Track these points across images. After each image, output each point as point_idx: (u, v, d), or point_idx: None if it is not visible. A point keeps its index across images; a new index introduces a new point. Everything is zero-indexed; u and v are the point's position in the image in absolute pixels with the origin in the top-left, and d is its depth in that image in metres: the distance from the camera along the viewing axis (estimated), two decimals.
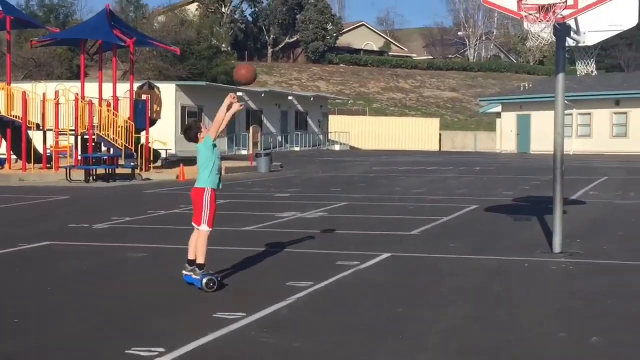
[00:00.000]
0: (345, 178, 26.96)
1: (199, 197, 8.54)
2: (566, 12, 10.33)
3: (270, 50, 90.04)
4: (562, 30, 10.86)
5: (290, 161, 37.55)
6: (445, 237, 12.58)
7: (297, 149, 54.80)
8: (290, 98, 57.19)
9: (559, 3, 10.16)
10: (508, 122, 55.48)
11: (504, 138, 56.04)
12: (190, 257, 8.57)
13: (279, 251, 10.99)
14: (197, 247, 8.49)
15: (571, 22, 11.18)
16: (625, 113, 49.21)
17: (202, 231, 8.50)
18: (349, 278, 9.18)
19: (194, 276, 8.45)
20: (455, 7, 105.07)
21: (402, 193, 20.82)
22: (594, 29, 12.00)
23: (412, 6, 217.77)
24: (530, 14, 10.29)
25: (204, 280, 8.28)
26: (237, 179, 26.69)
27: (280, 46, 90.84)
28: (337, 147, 58.72)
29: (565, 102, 12.37)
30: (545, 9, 10.17)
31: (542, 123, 48.51)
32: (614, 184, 23.65)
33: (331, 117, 62.83)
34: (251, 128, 46.27)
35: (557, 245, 10.91)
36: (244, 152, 46.12)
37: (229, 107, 8.58)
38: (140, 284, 8.92)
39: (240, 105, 8.72)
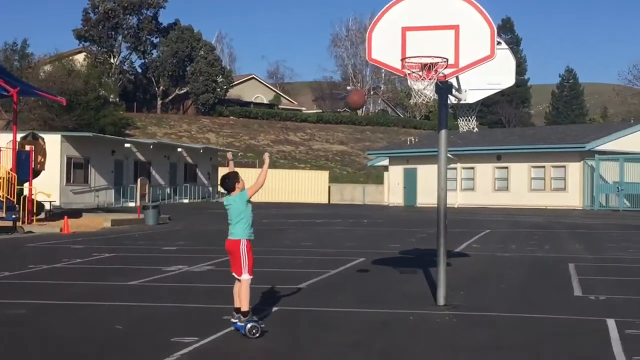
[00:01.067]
0: None
1: (236, 248, 9.03)
2: (447, 71, 10.67)
3: (159, 102, 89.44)
4: (443, 88, 11.20)
5: (179, 213, 37.14)
6: (332, 290, 12.64)
7: (186, 201, 54.32)
8: (179, 150, 56.80)
9: (440, 62, 10.49)
10: (395, 175, 56.51)
11: (391, 191, 56.97)
12: (236, 305, 8.93)
13: (164, 305, 10.82)
14: (240, 295, 8.87)
15: (453, 80, 11.56)
16: (507, 167, 50.85)
17: (243, 280, 8.93)
18: (235, 333, 9.09)
19: (239, 323, 8.81)
20: (344, 62, 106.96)
21: (290, 246, 20.85)
22: (474, 87, 12.46)
23: (301, 60, 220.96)
24: (413, 72, 10.59)
25: (248, 327, 8.65)
26: (123, 232, 26.21)
27: (170, 97, 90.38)
28: None
29: (449, 156, 12.74)
30: (427, 67, 10.49)
31: (428, 176, 49.53)
32: (496, 237, 24.30)
33: (221, 169, 62.64)
34: (139, 180, 45.71)
35: (441, 298, 11.10)
36: (132, 204, 45.38)
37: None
38: (13, 343, 8.60)
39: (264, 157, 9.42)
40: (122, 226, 29.01)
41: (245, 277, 8.92)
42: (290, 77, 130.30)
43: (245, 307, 8.82)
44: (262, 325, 8.81)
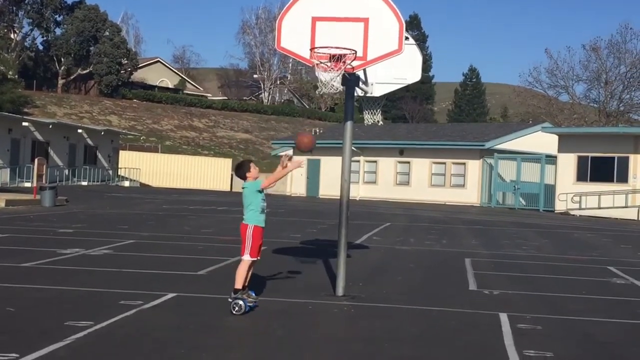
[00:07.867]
0: (133, 215, 26.42)
1: (244, 231, 9.62)
2: (355, 63, 10.73)
3: (61, 81, 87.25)
4: (351, 80, 11.26)
5: (77, 196, 36.37)
6: (231, 277, 12.55)
7: (85, 183, 53.23)
8: (79, 131, 55.58)
9: (349, 53, 10.54)
10: None
11: (294, 181, 57.09)
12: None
13: (59, 288, 10.57)
14: (237, 272, 9.57)
15: (360, 73, 11.64)
16: (408, 162, 51.57)
17: (242, 260, 9.61)
18: (132, 318, 8.96)
19: (229, 299, 9.50)
20: (252, 50, 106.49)
21: (191, 232, 20.68)
22: (381, 80, 12.57)
23: (208, 46, 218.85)
24: (322, 62, 10.61)
25: (232, 303, 9.34)
26: (18, 212, 25.51)
27: (72, 77, 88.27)
28: (126, 183, 57.57)
29: (353, 149, 12.81)
30: (335, 58, 10.53)
31: (331, 168, 49.89)
32: (395, 230, 24.63)
33: (122, 153, 61.59)
34: (36, 160, 44.48)
35: (340, 289, 11.19)
36: (28, 185, 44.18)
37: (285, 165, 9.62)
38: None
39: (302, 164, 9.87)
40: (17, 207, 28.24)
41: (245, 257, 9.59)
42: (196, 62, 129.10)
43: (237, 285, 9.48)
44: (250, 305, 9.41)
